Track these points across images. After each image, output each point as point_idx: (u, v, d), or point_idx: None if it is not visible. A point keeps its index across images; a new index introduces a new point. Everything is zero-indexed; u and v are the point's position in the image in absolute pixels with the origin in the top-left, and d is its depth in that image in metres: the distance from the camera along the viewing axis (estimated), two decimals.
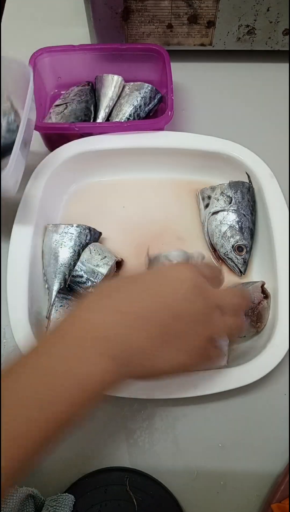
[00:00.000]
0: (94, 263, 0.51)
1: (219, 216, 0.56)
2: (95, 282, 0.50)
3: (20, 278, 0.49)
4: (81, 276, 0.51)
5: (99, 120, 0.63)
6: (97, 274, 0.50)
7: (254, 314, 0.50)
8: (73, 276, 0.51)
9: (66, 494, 0.44)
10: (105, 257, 0.52)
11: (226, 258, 0.55)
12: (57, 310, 0.49)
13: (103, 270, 0.51)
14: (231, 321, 0.38)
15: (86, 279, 0.50)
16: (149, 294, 0.34)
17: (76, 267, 0.51)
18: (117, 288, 0.35)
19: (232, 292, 0.43)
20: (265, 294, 0.51)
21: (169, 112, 0.57)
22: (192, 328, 0.34)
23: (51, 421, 0.29)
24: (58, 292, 0.50)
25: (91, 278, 0.50)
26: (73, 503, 0.43)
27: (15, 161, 0.45)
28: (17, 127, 0.50)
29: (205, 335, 0.35)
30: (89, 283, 0.50)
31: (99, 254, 0.52)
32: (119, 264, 0.54)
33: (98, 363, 0.31)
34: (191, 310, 0.34)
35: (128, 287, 0.35)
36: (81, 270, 0.51)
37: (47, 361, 0.31)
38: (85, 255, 0.51)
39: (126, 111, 0.62)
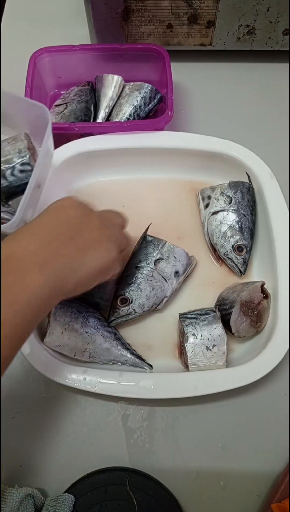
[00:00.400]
0: None
1: (219, 216, 0.56)
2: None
3: None
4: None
5: (99, 120, 0.63)
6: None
7: (254, 314, 0.50)
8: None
9: (66, 494, 0.44)
10: None
11: (226, 258, 0.55)
12: (56, 310, 0.49)
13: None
14: (117, 230, 0.47)
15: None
16: (48, 223, 0.40)
17: None
18: (27, 226, 0.40)
19: (110, 212, 0.49)
20: (265, 294, 0.51)
21: (169, 112, 0.57)
22: (93, 236, 0.41)
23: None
24: None
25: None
26: (73, 503, 0.43)
27: (26, 203, 0.45)
28: (32, 168, 0.50)
29: (105, 237, 0.43)
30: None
31: None
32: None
33: (26, 278, 0.35)
34: (84, 225, 0.41)
35: (32, 222, 0.40)
36: None
37: None
38: None
39: (126, 111, 0.62)
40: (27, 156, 0.50)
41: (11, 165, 0.50)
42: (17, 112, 0.51)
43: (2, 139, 0.53)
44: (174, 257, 0.52)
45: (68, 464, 0.47)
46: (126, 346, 0.49)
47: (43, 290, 0.35)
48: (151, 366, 0.49)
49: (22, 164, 0.50)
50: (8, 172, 0.51)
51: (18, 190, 0.52)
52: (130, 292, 0.50)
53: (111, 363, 0.49)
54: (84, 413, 0.49)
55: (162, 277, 0.52)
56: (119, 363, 0.49)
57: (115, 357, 0.48)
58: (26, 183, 0.47)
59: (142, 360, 0.49)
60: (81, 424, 0.48)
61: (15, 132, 0.53)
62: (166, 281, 0.52)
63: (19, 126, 0.54)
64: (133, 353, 0.49)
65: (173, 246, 0.53)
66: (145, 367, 0.49)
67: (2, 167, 0.50)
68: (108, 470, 0.46)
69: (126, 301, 0.50)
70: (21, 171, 0.51)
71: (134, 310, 0.50)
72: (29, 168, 0.50)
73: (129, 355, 0.49)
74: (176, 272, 0.52)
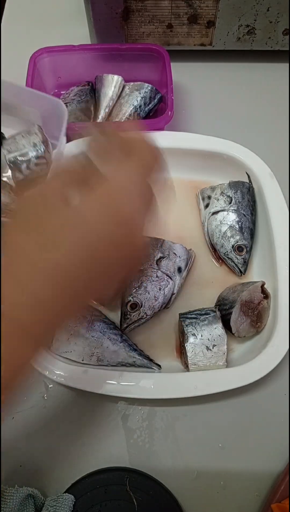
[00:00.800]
0: None
1: (219, 216, 0.56)
2: None
3: None
4: None
5: (99, 120, 0.63)
6: None
7: (254, 314, 0.50)
8: None
9: (66, 494, 0.44)
10: None
11: (226, 258, 0.55)
12: None
13: None
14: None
15: None
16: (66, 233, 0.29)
17: None
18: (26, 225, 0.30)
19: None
20: (265, 294, 0.51)
21: (169, 112, 0.57)
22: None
23: None
24: None
25: None
26: (73, 503, 0.43)
27: None
28: (46, 160, 0.49)
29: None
30: None
31: None
32: None
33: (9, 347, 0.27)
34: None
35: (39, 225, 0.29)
36: None
37: None
38: None
39: (126, 111, 0.62)
40: (42, 149, 0.50)
41: (26, 159, 0.50)
42: (29, 105, 0.51)
43: (14, 133, 0.52)
44: (174, 253, 0.53)
45: (68, 464, 0.47)
46: (134, 347, 0.49)
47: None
48: (159, 366, 0.49)
49: (37, 157, 0.50)
50: (24, 165, 0.50)
51: (33, 183, 0.52)
52: (138, 296, 0.50)
53: (119, 365, 0.49)
54: (84, 413, 0.49)
55: (167, 275, 0.52)
56: (128, 365, 0.49)
57: (123, 359, 0.48)
58: (41, 177, 0.46)
59: (150, 360, 0.49)
60: (81, 424, 0.48)
61: (24, 125, 0.53)
62: (171, 278, 0.52)
63: (29, 119, 0.53)
64: (141, 353, 0.49)
65: (171, 243, 0.53)
66: (154, 367, 0.49)
67: (18, 159, 0.50)
68: (108, 470, 0.46)
69: (136, 306, 0.50)
70: (36, 164, 0.50)
71: (145, 313, 0.50)
72: (44, 161, 0.50)
73: (137, 356, 0.49)
74: (179, 268, 0.53)
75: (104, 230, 0.30)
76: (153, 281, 0.51)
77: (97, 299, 0.35)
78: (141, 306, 0.50)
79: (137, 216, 0.32)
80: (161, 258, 0.52)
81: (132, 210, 0.32)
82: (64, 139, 0.49)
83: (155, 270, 0.51)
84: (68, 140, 0.58)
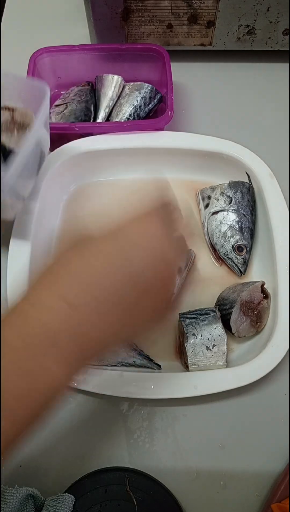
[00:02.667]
0: None
1: (219, 216, 0.56)
2: None
3: (20, 277, 0.49)
4: None
5: (99, 120, 0.63)
6: None
7: (254, 314, 0.50)
8: None
9: (66, 494, 0.44)
10: None
11: (226, 258, 0.55)
12: None
13: None
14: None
15: None
16: (105, 270, 0.29)
17: None
18: (67, 263, 0.29)
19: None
20: (265, 294, 0.51)
21: (169, 112, 0.57)
22: (156, 298, 0.32)
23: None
24: None
25: None
26: (73, 503, 0.43)
27: (20, 167, 0.40)
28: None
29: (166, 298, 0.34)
30: None
31: None
32: None
33: (46, 371, 0.27)
34: (155, 281, 0.31)
35: (79, 261, 0.29)
36: None
37: None
38: None
39: (126, 111, 0.62)
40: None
41: None
42: (9, 89, 0.48)
43: None
44: None
45: (68, 464, 0.47)
46: (134, 347, 0.49)
47: (64, 382, 0.27)
48: (159, 366, 0.49)
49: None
50: None
51: None
52: None
53: (119, 365, 0.49)
54: (84, 413, 0.49)
55: None
56: (128, 364, 0.49)
57: (123, 359, 0.48)
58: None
59: (150, 360, 0.49)
60: (81, 424, 0.48)
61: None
62: None
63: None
64: (141, 353, 0.49)
65: None
66: (154, 367, 0.49)
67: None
68: (108, 470, 0.46)
69: None
70: None
71: None
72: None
73: (137, 356, 0.49)
74: (179, 268, 0.52)
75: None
76: None
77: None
78: None
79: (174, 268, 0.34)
80: None
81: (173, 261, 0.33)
82: (42, 131, 0.44)
83: None
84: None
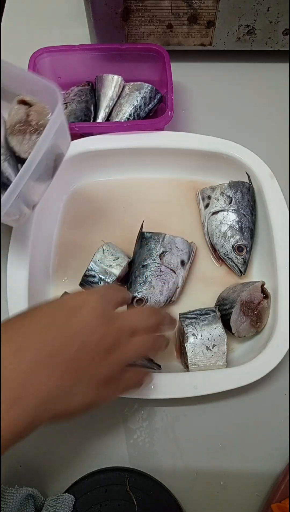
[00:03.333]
0: (106, 264, 0.51)
1: (219, 216, 0.56)
2: (107, 282, 0.50)
3: (20, 277, 0.49)
4: (94, 276, 0.51)
5: (99, 120, 0.63)
6: (110, 275, 0.51)
7: (254, 314, 0.50)
8: (85, 275, 0.51)
9: (66, 494, 0.44)
10: (118, 258, 0.52)
11: (226, 258, 0.55)
12: None
13: (116, 271, 0.51)
14: (142, 341, 0.38)
15: (99, 279, 0.51)
16: (49, 330, 0.32)
17: (89, 267, 0.51)
18: (18, 325, 0.33)
19: (141, 311, 0.42)
20: (265, 294, 0.51)
21: (169, 112, 0.57)
22: (99, 359, 0.34)
23: None
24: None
25: (103, 278, 0.51)
26: (73, 503, 0.43)
27: (27, 176, 0.39)
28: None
29: (103, 372, 0.34)
30: (102, 283, 0.51)
31: (112, 255, 0.52)
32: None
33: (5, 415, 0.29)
34: (96, 340, 0.34)
35: (27, 323, 0.33)
36: (93, 270, 0.51)
37: None
38: (98, 255, 0.52)
39: (126, 111, 0.62)
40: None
41: None
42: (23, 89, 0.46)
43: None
44: (176, 247, 0.53)
45: (68, 464, 0.47)
46: None
47: (11, 429, 0.29)
48: (159, 366, 0.49)
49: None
50: None
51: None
52: (143, 292, 0.51)
53: None
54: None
55: (170, 269, 0.52)
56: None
57: None
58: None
59: (150, 360, 0.49)
60: (81, 424, 0.48)
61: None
62: (174, 272, 0.52)
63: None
64: None
65: (172, 237, 0.53)
66: (154, 367, 0.49)
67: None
68: (108, 470, 0.46)
69: (142, 302, 0.51)
70: None
71: None
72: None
73: None
74: (182, 261, 0.53)
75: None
76: (157, 276, 0.51)
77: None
78: (147, 301, 0.50)
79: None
80: (163, 252, 0.52)
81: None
82: (57, 135, 0.42)
83: (158, 265, 0.52)
84: None
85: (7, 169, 0.43)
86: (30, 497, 0.42)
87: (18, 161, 0.44)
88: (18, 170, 0.43)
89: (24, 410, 0.30)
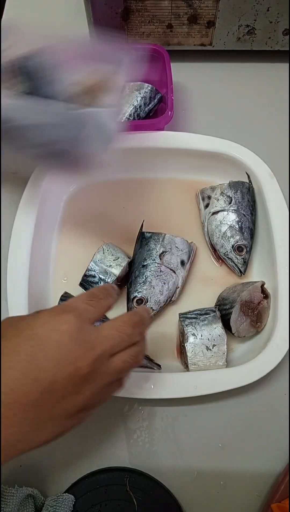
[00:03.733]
0: (107, 264, 0.51)
1: (219, 216, 0.56)
2: (107, 282, 0.50)
3: (20, 279, 0.49)
4: (94, 276, 0.51)
5: None
6: (110, 275, 0.51)
7: (254, 314, 0.50)
8: (85, 275, 0.51)
9: (66, 494, 0.44)
10: (118, 258, 0.52)
11: (226, 258, 0.55)
12: None
13: (116, 271, 0.51)
14: (122, 362, 0.35)
15: (99, 279, 0.51)
16: (12, 370, 0.29)
17: (89, 267, 0.51)
18: None
19: (122, 325, 0.36)
20: (265, 294, 0.51)
21: (169, 112, 0.57)
22: (71, 394, 0.31)
23: None
24: (61, 299, 0.50)
25: (103, 278, 0.51)
26: (73, 503, 0.43)
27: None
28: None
29: (88, 395, 0.32)
30: (102, 283, 0.51)
31: (112, 255, 0.52)
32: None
33: None
34: (67, 375, 0.31)
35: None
36: (93, 270, 0.51)
37: None
38: (98, 255, 0.52)
39: (126, 111, 0.62)
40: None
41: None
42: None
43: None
44: (176, 247, 0.53)
45: (68, 464, 0.47)
46: None
47: None
48: (159, 366, 0.49)
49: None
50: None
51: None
52: (143, 292, 0.51)
53: None
54: None
55: (170, 269, 0.52)
56: None
57: None
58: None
59: (151, 360, 0.49)
60: (80, 424, 0.48)
61: None
62: (174, 272, 0.52)
63: None
64: None
65: (172, 237, 0.53)
66: (154, 367, 0.49)
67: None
68: (108, 470, 0.46)
69: (141, 301, 0.51)
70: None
71: (151, 308, 0.51)
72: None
73: None
74: (182, 261, 0.53)
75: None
76: (157, 276, 0.51)
77: None
78: (147, 301, 0.50)
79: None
80: (163, 252, 0.52)
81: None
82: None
83: (158, 265, 0.52)
84: None
85: None
86: (30, 497, 0.42)
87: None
88: None
89: None
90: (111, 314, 0.52)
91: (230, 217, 0.55)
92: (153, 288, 0.51)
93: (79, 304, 0.35)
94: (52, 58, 0.42)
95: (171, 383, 0.46)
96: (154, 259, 0.52)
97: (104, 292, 0.38)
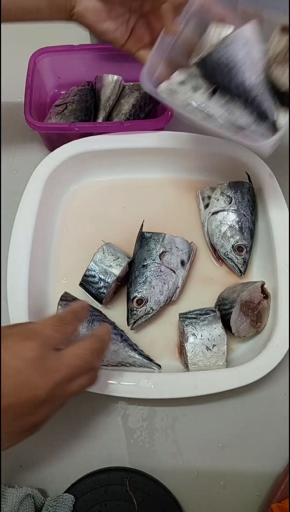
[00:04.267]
0: (107, 264, 0.51)
1: (219, 216, 0.56)
2: (107, 282, 0.50)
3: (20, 279, 0.49)
4: (94, 276, 0.51)
5: (99, 120, 0.63)
6: (110, 275, 0.51)
7: (254, 314, 0.50)
8: (85, 275, 0.51)
9: (66, 494, 0.44)
10: (118, 258, 0.52)
11: (226, 258, 0.55)
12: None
13: (116, 271, 0.51)
14: (79, 386, 0.36)
15: (99, 279, 0.51)
16: None
17: (89, 267, 0.51)
18: None
19: (85, 352, 0.37)
20: (265, 294, 0.51)
21: (169, 112, 0.57)
22: (26, 415, 0.33)
23: None
24: (61, 299, 0.50)
25: (103, 278, 0.51)
26: (73, 503, 0.43)
27: None
28: None
29: (43, 415, 0.34)
30: (102, 283, 0.51)
31: (112, 255, 0.52)
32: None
33: None
34: (24, 400, 0.32)
35: None
36: (93, 270, 0.51)
37: None
38: (98, 255, 0.52)
39: (126, 111, 0.62)
40: None
41: None
42: None
43: None
44: (176, 247, 0.53)
45: (68, 464, 0.47)
46: (134, 347, 0.49)
47: None
48: (159, 366, 0.49)
49: None
50: None
51: None
52: (143, 292, 0.51)
53: (119, 365, 0.49)
54: (84, 413, 0.49)
55: (170, 269, 0.52)
56: (128, 364, 0.49)
57: (123, 359, 0.48)
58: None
59: (150, 360, 0.49)
60: (81, 424, 0.48)
61: None
62: (174, 272, 0.52)
63: None
64: (141, 353, 0.49)
65: (172, 237, 0.53)
66: (154, 367, 0.49)
67: None
68: (108, 470, 0.46)
69: (142, 302, 0.51)
70: None
71: (151, 308, 0.51)
72: None
73: (137, 356, 0.49)
74: (182, 261, 0.53)
75: None
76: (157, 276, 0.51)
77: None
78: (147, 301, 0.50)
79: None
80: (163, 252, 0.52)
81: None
82: None
83: (158, 265, 0.52)
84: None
85: (265, 102, 0.44)
86: (30, 497, 0.42)
87: (277, 95, 0.44)
88: (275, 104, 0.44)
89: None
90: (111, 314, 0.52)
91: (230, 217, 0.55)
92: (153, 288, 0.51)
93: (45, 331, 0.36)
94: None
95: (171, 383, 0.46)
96: (154, 259, 0.52)
97: (73, 316, 0.39)
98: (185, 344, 0.48)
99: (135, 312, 0.50)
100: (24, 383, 0.33)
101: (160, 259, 0.52)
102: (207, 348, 0.48)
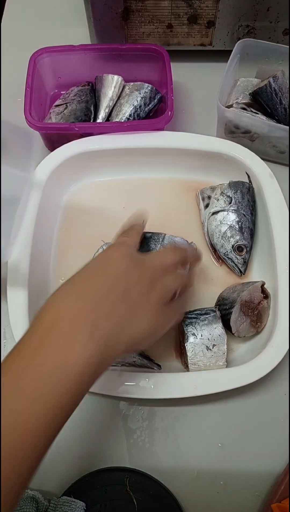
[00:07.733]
0: None
1: (219, 216, 0.56)
2: None
3: (20, 277, 0.49)
4: None
5: (99, 120, 0.63)
6: None
7: (254, 314, 0.50)
8: None
9: (79, 501, 0.43)
10: None
11: (226, 258, 0.55)
12: None
13: None
14: (175, 276, 0.42)
15: None
16: (94, 280, 0.38)
17: None
18: (72, 281, 0.38)
19: (164, 252, 0.47)
20: (265, 294, 0.51)
21: (169, 112, 0.57)
22: (142, 295, 0.38)
23: (41, 416, 0.33)
24: None
25: None
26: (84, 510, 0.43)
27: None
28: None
29: (154, 299, 0.39)
30: None
31: None
32: None
33: (76, 347, 0.33)
34: (134, 282, 0.38)
35: (77, 278, 0.39)
36: None
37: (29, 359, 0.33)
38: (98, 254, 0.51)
39: (126, 111, 0.62)
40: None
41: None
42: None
43: None
44: None
45: (68, 464, 0.47)
46: None
47: (93, 360, 0.33)
48: (159, 366, 0.49)
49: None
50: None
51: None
52: None
53: (119, 364, 0.49)
54: (84, 413, 0.49)
55: None
56: (127, 364, 0.49)
57: (123, 359, 0.48)
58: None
59: (151, 360, 0.49)
60: (81, 424, 0.48)
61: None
62: None
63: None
64: (141, 353, 0.49)
65: (172, 237, 0.53)
66: (154, 367, 0.49)
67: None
68: (108, 470, 0.46)
69: None
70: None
71: None
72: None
73: (137, 356, 0.48)
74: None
75: None
76: None
77: None
78: None
79: None
80: None
81: None
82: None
83: None
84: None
85: None
86: (32, 500, 0.42)
87: None
88: None
89: (99, 341, 0.34)
90: None
91: (230, 217, 0.55)
92: None
93: (119, 239, 0.46)
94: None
95: (171, 383, 0.46)
96: None
97: (130, 227, 0.48)
98: (185, 344, 0.48)
99: None
100: (126, 267, 0.39)
101: None
102: (207, 348, 0.48)
